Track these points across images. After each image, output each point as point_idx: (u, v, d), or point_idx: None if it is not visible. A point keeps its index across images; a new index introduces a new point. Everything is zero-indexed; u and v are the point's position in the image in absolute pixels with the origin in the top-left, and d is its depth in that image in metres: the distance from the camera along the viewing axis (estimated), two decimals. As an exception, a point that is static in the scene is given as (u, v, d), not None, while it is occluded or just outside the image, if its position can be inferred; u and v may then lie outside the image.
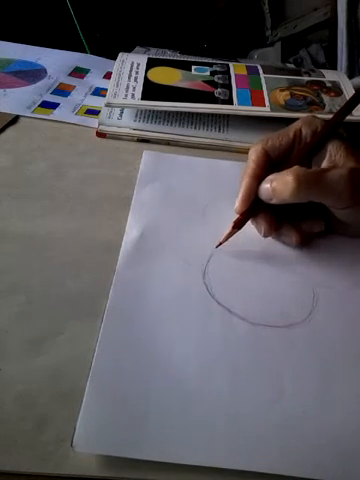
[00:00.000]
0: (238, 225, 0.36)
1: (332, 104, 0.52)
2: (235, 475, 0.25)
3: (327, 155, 0.36)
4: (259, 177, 0.36)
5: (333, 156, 0.35)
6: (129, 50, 0.67)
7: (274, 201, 0.35)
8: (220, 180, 0.45)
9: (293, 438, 0.26)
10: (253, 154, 0.37)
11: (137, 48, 0.71)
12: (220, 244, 0.37)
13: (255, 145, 0.38)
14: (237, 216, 0.37)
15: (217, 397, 0.27)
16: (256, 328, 0.32)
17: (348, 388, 0.29)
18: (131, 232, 0.38)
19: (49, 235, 0.38)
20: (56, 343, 0.30)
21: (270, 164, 0.37)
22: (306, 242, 0.38)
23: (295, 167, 0.34)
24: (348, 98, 0.53)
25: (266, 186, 0.35)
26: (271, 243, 0.38)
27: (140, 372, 0.28)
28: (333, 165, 0.35)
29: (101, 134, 0.51)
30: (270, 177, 0.35)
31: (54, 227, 0.38)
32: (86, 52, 0.76)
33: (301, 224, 0.37)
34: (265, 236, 0.37)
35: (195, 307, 0.33)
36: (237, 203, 0.36)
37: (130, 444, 0.25)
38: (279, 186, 0.34)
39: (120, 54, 0.59)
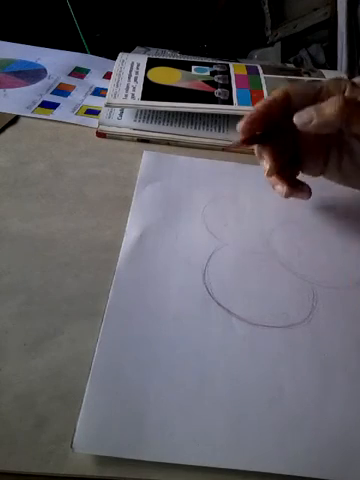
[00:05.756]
0: (246, 141, 0.37)
1: (332, 104, 0.52)
2: (235, 475, 0.25)
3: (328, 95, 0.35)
4: (271, 109, 0.36)
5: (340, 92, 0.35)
6: (129, 50, 0.67)
7: (314, 122, 0.33)
8: (220, 181, 0.45)
9: (293, 438, 0.26)
10: (276, 91, 0.37)
11: (137, 48, 0.71)
12: (227, 148, 0.37)
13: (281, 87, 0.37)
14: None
15: (217, 397, 0.27)
16: (256, 328, 0.32)
17: (348, 388, 0.29)
18: (131, 232, 0.38)
19: (49, 235, 0.38)
20: (56, 343, 0.30)
21: (287, 109, 0.36)
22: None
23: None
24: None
25: (307, 109, 0.34)
26: (271, 243, 0.38)
27: (140, 372, 0.28)
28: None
29: (101, 134, 0.51)
30: (309, 107, 0.34)
31: (54, 227, 0.38)
32: (86, 52, 0.76)
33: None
34: (269, 175, 0.38)
35: (195, 307, 0.33)
36: (241, 122, 0.36)
37: (130, 444, 0.25)
38: (325, 106, 0.33)
39: (120, 54, 0.59)
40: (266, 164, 0.38)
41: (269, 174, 0.38)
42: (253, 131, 0.36)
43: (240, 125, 0.37)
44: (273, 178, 0.39)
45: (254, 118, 0.36)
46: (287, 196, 0.38)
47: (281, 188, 0.38)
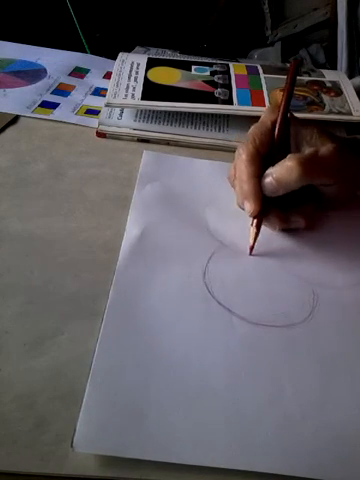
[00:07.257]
0: (258, 226, 0.37)
1: (332, 104, 0.52)
2: (235, 475, 0.25)
3: (304, 142, 0.37)
4: (258, 176, 0.37)
5: (310, 141, 0.37)
6: (129, 50, 0.67)
7: (280, 192, 0.35)
8: (220, 181, 0.45)
9: (293, 438, 0.26)
10: (245, 155, 0.37)
11: (137, 48, 0.71)
12: (252, 249, 0.37)
13: (243, 145, 0.38)
14: (251, 218, 0.37)
15: (217, 397, 0.27)
16: (256, 328, 0.32)
17: (348, 388, 0.29)
18: (131, 232, 0.38)
19: (49, 235, 0.38)
20: (56, 343, 0.30)
21: (261, 160, 0.38)
22: (312, 225, 0.39)
23: (290, 155, 0.35)
24: (347, 96, 0.53)
25: (268, 180, 0.36)
26: (272, 243, 0.38)
27: (140, 372, 0.28)
28: (315, 148, 0.36)
29: (101, 134, 0.51)
30: (268, 171, 0.36)
31: (54, 227, 0.38)
32: (86, 52, 0.76)
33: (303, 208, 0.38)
34: (279, 230, 0.38)
35: (195, 307, 0.33)
36: (250, 206, 0.36)
37: (130, 444, 0.25)
38: (283, 175, 0.35)
39: (120, 54, 0.59)
40: (275, 225, 0.38)
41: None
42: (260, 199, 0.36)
43: (254, 209, 0.36)
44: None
45: (257, 195, 0.36)
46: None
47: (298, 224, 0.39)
